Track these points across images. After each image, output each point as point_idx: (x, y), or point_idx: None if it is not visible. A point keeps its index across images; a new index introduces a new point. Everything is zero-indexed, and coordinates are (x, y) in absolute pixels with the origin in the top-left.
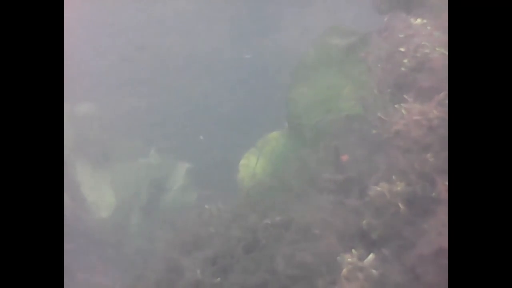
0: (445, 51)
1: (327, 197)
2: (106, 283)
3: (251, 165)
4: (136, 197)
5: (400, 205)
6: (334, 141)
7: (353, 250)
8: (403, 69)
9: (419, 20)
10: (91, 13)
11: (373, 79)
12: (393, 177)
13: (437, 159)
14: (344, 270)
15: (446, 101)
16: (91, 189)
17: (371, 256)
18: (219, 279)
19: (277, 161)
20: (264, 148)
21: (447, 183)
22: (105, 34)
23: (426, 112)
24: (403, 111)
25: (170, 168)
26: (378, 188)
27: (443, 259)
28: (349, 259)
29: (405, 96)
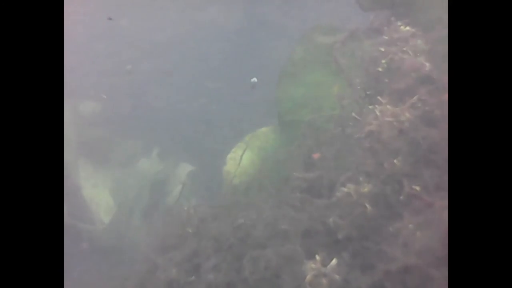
0: (424, 61)
1: (298, 195)
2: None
3: (238, 159)
4: (137, 201)
5: (367, 206)
6: (314, 139)
7: (317, 256)
8: (380, 69)
9: (408, 28)
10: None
11: (353, 79)
12: (360, 178)
13: (405, 162)
14: (308, 277)
15: (419, 105)
16: (92, 192)
17: (334, 261)
18: (193, 277)
19: (266, 157)
20: (252, 143)
21: (414, 187)
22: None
23: (398, 115)
24: (377, 112)
25: (171, 171)
26: (345, 189)
27: (408, 277)
28: (312, 265)
29: (378, 97)
